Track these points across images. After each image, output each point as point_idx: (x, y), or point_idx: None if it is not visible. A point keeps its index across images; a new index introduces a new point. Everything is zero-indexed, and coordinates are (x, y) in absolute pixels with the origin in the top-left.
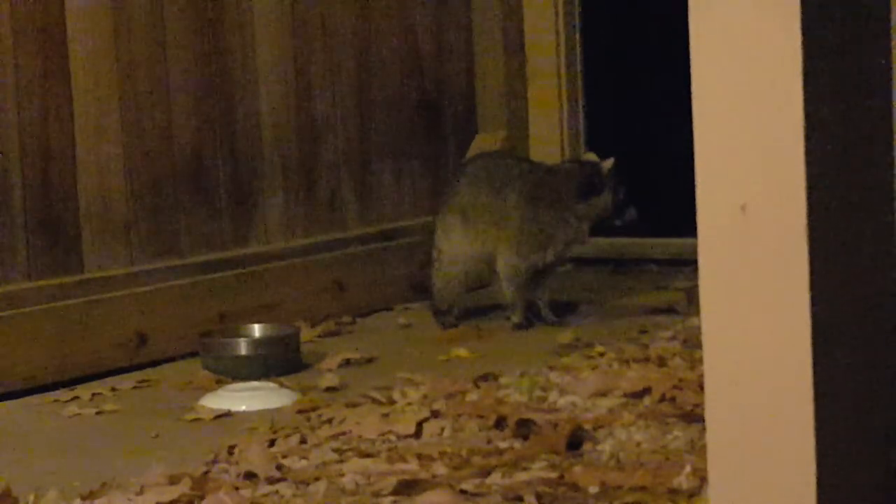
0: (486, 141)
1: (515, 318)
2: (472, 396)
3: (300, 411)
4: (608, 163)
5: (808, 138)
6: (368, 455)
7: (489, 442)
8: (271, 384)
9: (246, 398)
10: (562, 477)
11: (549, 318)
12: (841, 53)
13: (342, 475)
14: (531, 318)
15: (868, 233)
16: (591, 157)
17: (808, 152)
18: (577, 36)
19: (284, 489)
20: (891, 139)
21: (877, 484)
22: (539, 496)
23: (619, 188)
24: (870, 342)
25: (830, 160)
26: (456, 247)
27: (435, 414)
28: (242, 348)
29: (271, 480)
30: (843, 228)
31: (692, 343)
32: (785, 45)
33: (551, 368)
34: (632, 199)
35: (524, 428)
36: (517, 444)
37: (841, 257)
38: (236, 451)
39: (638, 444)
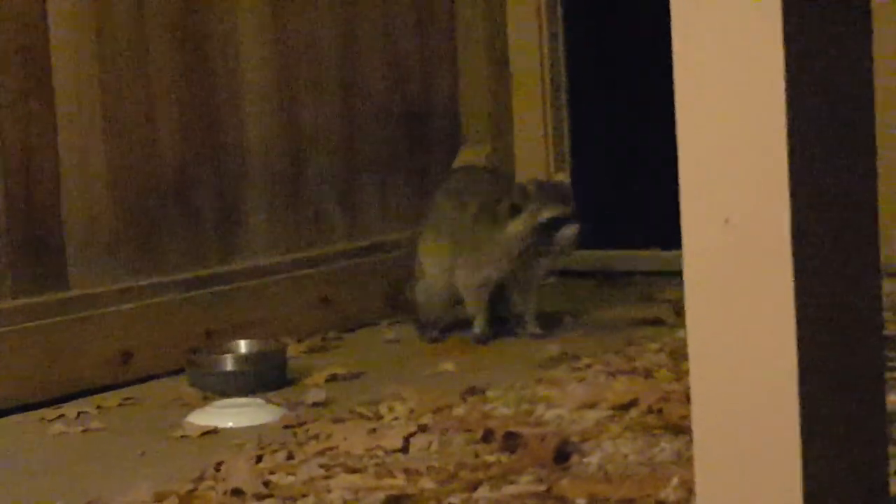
0: (470, 154)
1: (475, 330)
2: (460, 410)
3: (287, 427)
4: (530, 185)
5: (791, 151)
6: (356, 470)
7: (477, 456)
8: (258, 400)
9: (233, 415)
10: (549, 490)
11: (534, 330)
12: (825, 65)
13: (329, 491)
14: (516, 329)
15: (852, 246)
16: (561, 177)
17: (792, 165)
18: (562, 49)
19: None
20: (874, 151)
21: (864, 497)
22: None
23: (542, 210)
24: (855, 354)
25: (814, 173)
26: (433, 260)
27: (422, 428)
28: (229, 364)
29: (258, 497)
30: (826, 241)
31: (679, 355)
32: (768, 56)
33: (538, 381)
34: (589, 217)
35: (511, 441)
36: (504, 458)
37: (825, 270)
38: (223, 467)
39: (625, 457)
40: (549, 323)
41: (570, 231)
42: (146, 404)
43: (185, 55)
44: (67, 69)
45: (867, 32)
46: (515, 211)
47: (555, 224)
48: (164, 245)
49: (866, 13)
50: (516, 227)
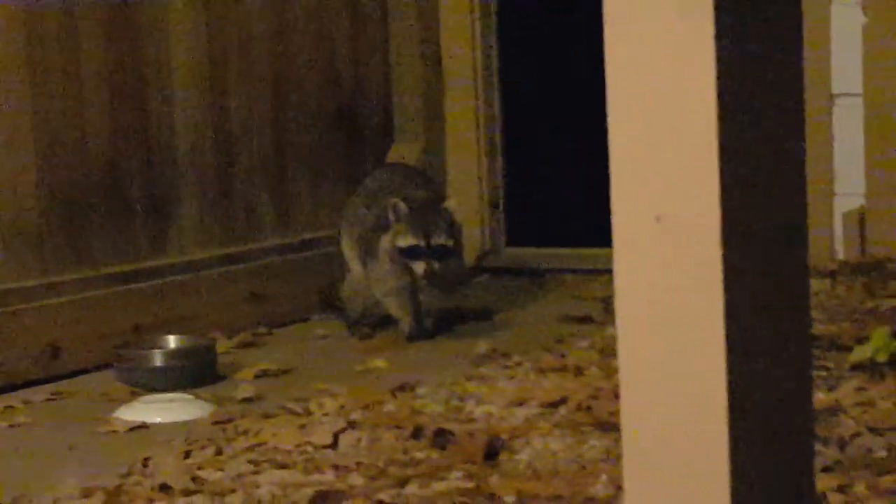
0: (402, 150)
1: (406, 331)
2: (389, 407)
3: (216, 423)
4: (403, 205)
5: (723, 149)
6: (284, 466)
7: (406, 452)
8: (187, 396)
9: (161, 410)
10: (479, 487)
11: (427, 327)
12: (756, 62)
13: (258, 487)
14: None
15: (781, 245)
16: (450, 204)
17: (724, 163)
18: (495, 45)
19: (200, 501)
20: (804, 149)
21: (791, 494)
22: None
23: (398, 237)
24: (783, 352)
25: (746, 171)
26: (353, 258)
27: (352, 424)
28: (158, 360)
29: (186, 493)
30: (757, 240)
31: (608, 352)
32: (698, 57)
33: (468, 378)
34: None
35: (441, 438)
36: (434, 455)
37: (755, 268)
38: (151, 463)
39: (554, 454)
40: (480, 319)
41: (418, 267)
42: (74, 399)
43: (116, 48)
44: None
45: (797, 30)
46: (387, 227)
47: (409, 252)
48: (93, 239)
49: (797, 11)
50: (384, 243)
